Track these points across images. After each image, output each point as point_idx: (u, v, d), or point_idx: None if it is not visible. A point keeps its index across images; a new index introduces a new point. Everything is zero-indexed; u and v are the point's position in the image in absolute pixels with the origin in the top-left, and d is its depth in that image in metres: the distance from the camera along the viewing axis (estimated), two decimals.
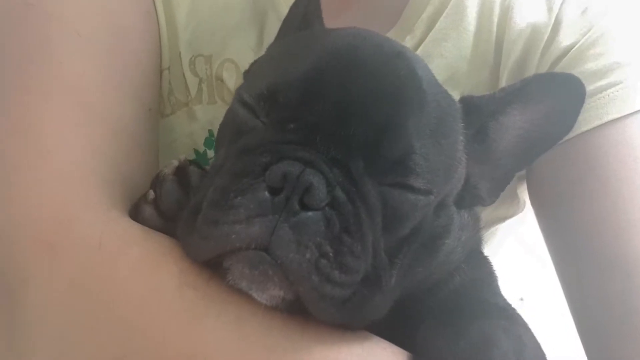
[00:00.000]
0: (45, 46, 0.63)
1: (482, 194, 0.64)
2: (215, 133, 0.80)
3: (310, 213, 0.48)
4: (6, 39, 0.64)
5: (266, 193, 0.48)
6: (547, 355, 0.58)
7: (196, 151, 0.82)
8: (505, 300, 0.65)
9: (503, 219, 0.89)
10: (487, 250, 0.91)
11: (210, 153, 0.80)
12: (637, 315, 0.64)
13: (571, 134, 0.69)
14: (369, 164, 0.51)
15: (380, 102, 0.52)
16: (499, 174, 0.65)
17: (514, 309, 0.63)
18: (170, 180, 0.57)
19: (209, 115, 0.81)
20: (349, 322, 0.53)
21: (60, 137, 0.59)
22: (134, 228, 0.56)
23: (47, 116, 0.59)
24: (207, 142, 0.81)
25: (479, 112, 0.62)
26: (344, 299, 0.50)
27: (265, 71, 0.60)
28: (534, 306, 0.74)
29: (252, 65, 0.74)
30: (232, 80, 0.81)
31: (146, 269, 0.53)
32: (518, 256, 0.76)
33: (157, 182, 0.57)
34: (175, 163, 0.58)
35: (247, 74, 0.73)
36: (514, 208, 0.88)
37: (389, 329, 0.56)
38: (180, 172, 0.58)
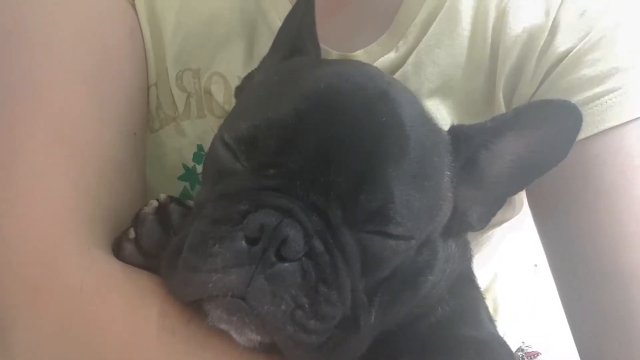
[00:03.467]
0: (29, 77, 0.63)
1: (472, 221, 0.63)
2: (205, 148, 0.81)
3: (286, 264, 0.48)
4: None
5: (243, 243, 0.48)
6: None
7: (185, 166, 0.81)
8: (488, 328, 0.65)
9: (499, 223, 0.88)
10: (483, 254, 0.92)
11: (199, 168, 0.80)
12: (631, 327, 0.65)
13: None
14: (348, 213, 0.51)
15: (359, 150, 0.51)
16: (491, 198, 0.64)
17: (494, 338, 0.64)
18: (150, 220, 0.57)
19: (198, 130, 0.80)
20: None
21: (43, 176, 0.59)
22: (115, 270, 0.57)
23: (31, 154, 0.60)
24: (196, 158, 0.80)
25: (469, 142, 0.61)
26: (320, 343, 0.51)
27: (247, 108, 0.59)
28: (547, 272, 0.76)
29: (244, 81, 0.73)
30: (221, 94, 0.80)
31: (126, 314, 0.54)
32: (532, 223, 0.77)
33: (137, 221, 0.58)
34: (155, 203, 0.58)
35: (238, 90, 0.73)
36: (510, 212, 0.87)
37: None
38: (161, 210, 0.58)
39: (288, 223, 0.48)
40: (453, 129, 0.62)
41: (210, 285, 0.48)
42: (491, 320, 0.70)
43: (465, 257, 0.68)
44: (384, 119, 0.53)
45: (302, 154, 0.51)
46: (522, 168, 0.62)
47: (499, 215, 0.85)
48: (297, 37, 0.71)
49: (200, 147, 0.80)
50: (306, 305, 0.48)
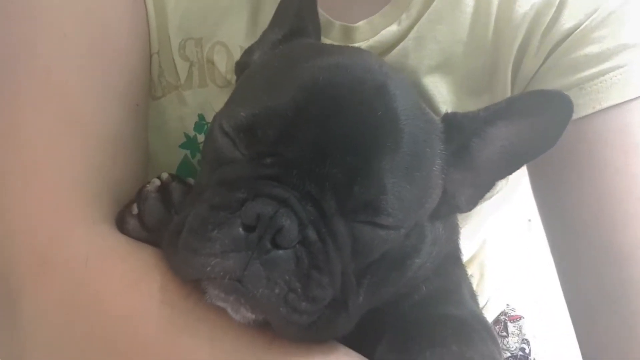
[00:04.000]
0: (32, 50, 0.64)
1: (460, 203, 0.65)
2: (206, 117, 0.82)
3: (281, 251, 0.51)
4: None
5: (241, 230, 0.51)
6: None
7: (187, 135, 0.83)
8: (470, 306, 0.69)
9: (488, 197, 0.91)
10: (471, 226, 0.94)
11: (201, 137, 0.82)
12: (627, 305, 0.67)
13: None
14: (341, 204, 0.53)
15: (355, 144, 0.53)
16: (481, 181, 0.66)
17: (476, 318, 0.67)
18: (152, 198, 0.60)
19: (199, 99, 0.81)
20: (313, 340, 0.57)
21: (48, 150, 0.61)
22: (119, 244, 0.59)
23: (36, 127, 0.61)
24: (197, 127, 0.82)
25: (461, 130, 0.63)
26: (310, 322, 0.54)
27: (247, 96, 0.61)
28: (540, 228, 0.78)
29: (244, 55, 0.74)
30: (223, 63, 0.80)
31: (129, 287, 0.57)
32: (526, 178, 0.79)
33: (140, 198, 0.60)
34: (157, 182, 0.60)
35: (238, 66, 0.73)
36: (501, 183, 0.89)
37: (358, 339, 0.60)
38: (163, 188, 0.60)
39: (283, 213, 0.51)
40: (446, 117, 0.64)
41: (208, 269, 0.51)
42: (473, 297, 0.74)
43: (452, 239, 0.70)
44: (380, 113, 0.55)
45: (300, 145, 0.53)
46: (513, 154, 0.63)
47: None
48: (297, 15, 0.71)
49: (201, 117, 0.82)
50: (299, 289, 0.51)
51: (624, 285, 0.67)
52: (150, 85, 0.80)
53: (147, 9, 0.76)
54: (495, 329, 1.14)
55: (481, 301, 1.12)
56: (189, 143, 0.83)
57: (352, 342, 0.60)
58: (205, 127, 0.82)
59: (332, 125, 0.53)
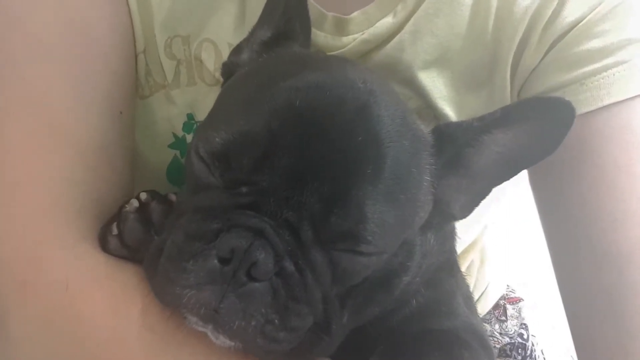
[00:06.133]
0: (10, 60, 0.63)
1: (455, 211, 0.64)
2: (196, 116, 0.81)
3: (257, 284, 0.50)
4: None
5: (216, 262, 0.50)
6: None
7: (175, 135, 0.82)
8: (464, 318, 0.68)
9: None
10: (473, 215, 0.93)
11: (189, 137, 0.81)
12: (625, 306, 0.66)
13: None
14: (319, 233, 0.52)
15: (332, 172, 0.51)
16: (477, 188, 0.64)
17: (470, 328, 0.66)
18: (131, 220, 0.59)
19: (187, 98, 0.80)
20: None
21: (28, 167, 0.61)
22: (99, 265, 0.59)
23: (15, 142, 0.61)
24: (186, 127, 0.80)
25: (453, 142, 0.61)
26: (290, 348, 0.54)
27: (223, 116, 0.59)
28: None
29: (231, 55, 0.72)
30: (212, 61, 0.78)
31: (109, 311, 0.57)
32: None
33: (119, 218, 0.59)
34: (136, 203, 0.59)
35: (225, 67, 0.71)
36: None
37: (346, 355, 0.60)
38: (142, 208, 0.59)
39: (259, 245, 0.50)
40: (437, 130, 0.62)
41: (184, 300, 0.51)
42: (469, 303, 0.73)
43: (445, 249, 0.69)
44: (360, 138, 0.53)
45: (275, 173, 0.51)
46: (509, 160, 0.61)
47: None
48: (284, 13, 0.68)
49: (190, 116, 0.80)
50: (276, 321, 0.51)
51: (622, 284, 0.66)
52: (137, 84, 0.79)
53: (130, 6, 0.74)
54: (495, 314, 1.14)
55: (481, 286, 1.12)
56: (178, 143, 0.82)
57: (340, 358, 0.60)
58: (195, 126, 0.80)
59: (309, 151, 0.51)
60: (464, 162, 0.62)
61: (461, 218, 0.66)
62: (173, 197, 0.62)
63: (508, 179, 0.65)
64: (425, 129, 0.62)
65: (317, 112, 0.53)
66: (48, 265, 0.58)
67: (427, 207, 0.60)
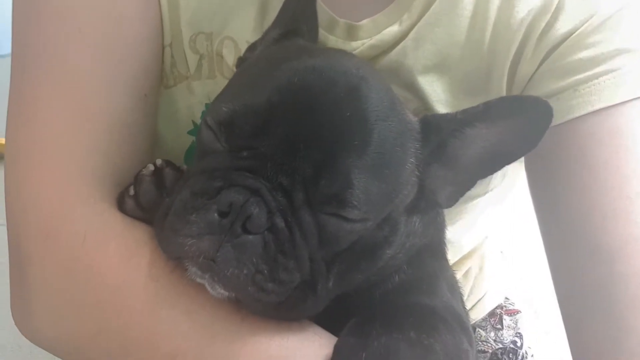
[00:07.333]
0: (52, 43, 0.72)
1: (440, 199, 0.69)
2: None
3: (250, 236, 0.57)
4: (24, 30, 0.74)
5: (215, 215, 0.57)
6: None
7: (194, 123, 0.89)
8: (444, 299, 0.72)
9: (483, 193, 0.94)
10: (467, 220, 0.97)
11: None
12: (615, 301, 0.69)
13: (563, 119, 0.72)
14: (309, 196, 0.58)
15: (323, 142, 0.58)
16: (461, 179, 0.69)
17: (449, 309, 0.70)
18: (147, 182, 0.66)
19: (207, 89, 0.87)
20: (282, 319, 0.63)
21: (60, 135, 0.69)
22: (116, 222, 0.67)
23: (51, 114, 0.69)
24: (204, 115, 0.88)
25: (438, 131, 0.67)
26: (278, 302, 0.60)
27: (231, 93, 0.67)
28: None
29: (247, 51, 0.80)
30: (232, 57, 0.86)
31: (121, 262, 0.64)
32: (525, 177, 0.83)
33: (136, 180, 0.67)
34: (152, 167, 0.67)
35: (240, 61, 0.79)
36: (495, 181, 0.93)
37: (330, 322, 0.65)
38: (157, 173, 0.67)
39: (254, 202, 0.56)
40: (424, 119, 0.68)
41: (186, 248, 0.57)
42: (453, 290, 0.78)
43: (430, 233, 0.75)
44: (349, 114, 0.59)
45: (273, 140, 0.58)
46: (493, 154, 0.66)
47: (481, 187, 0.91)
48: (293, 15, 0.76)
49: (207, 106, 0.88)
50: (265, 271, 0.57)
51: (612, 282, 0.69)
52: (163, 75, 0.87)
53: (161, 4, 0.82)
54: (490, 321, 1.17)
55: (478, 294, 1.16)
56: (196, 130, 0.89)
57: (324, 324, 0.66)
58: None
59: (302, 123, 0.58)
60: (449, 153, 0.67)
61: (447, 207, 0.71)
62: (185, 168, 0.70)
63: (492, 172, 0.70)
64: (413, 118, 0.68)
65: (312, 90, 0.60)
66: (69, 219, 0.65)
67: (411, 187, 0.65)
